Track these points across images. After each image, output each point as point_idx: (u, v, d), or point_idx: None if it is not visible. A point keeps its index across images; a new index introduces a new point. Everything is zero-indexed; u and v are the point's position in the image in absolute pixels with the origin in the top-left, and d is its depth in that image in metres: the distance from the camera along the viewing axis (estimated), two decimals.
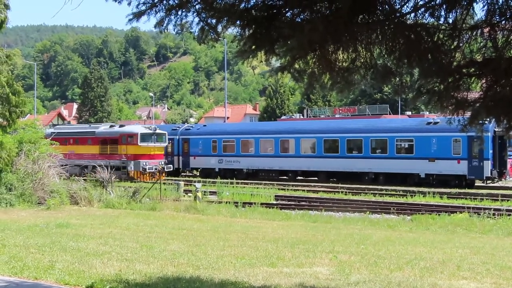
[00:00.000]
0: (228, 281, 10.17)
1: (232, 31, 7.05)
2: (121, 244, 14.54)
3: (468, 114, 7.11)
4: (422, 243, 16.88)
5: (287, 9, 6.71)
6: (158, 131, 48.60)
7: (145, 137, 47.01)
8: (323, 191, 38.20)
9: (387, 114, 74.09)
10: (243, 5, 6.63)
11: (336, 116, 77.63)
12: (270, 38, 6.74)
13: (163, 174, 46.18)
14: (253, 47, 6.88)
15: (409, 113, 72.12)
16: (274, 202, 32.71)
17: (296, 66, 7.14)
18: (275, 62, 7.38)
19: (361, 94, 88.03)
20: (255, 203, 30.19)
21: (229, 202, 30.17)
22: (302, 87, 7.87)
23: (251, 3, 6.66)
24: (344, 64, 7.06)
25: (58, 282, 10.12)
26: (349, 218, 25.46)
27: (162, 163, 47.33)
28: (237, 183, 40.64)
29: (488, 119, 7.35)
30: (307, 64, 7.14)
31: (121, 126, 53.00)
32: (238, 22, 6.79)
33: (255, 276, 10.59)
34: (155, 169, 46.22)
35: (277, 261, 12.46)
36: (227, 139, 49.50)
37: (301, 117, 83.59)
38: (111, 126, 52.45)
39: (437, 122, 38.59)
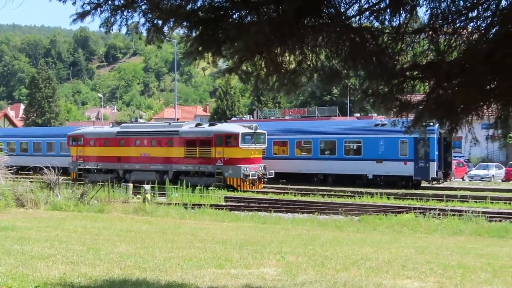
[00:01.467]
0: (175, 283, 10.13)
1: (179, 32, 7.03)
2: (67, 247, 14.33)
3: (412, 116, 7.22)
4: (369, 243, 17.12)
5: (234, 11, 6.72)
6: (258, 130, 41.51)
7: (244, 138, 40.18)
8: (272, 192, 38.35)
9: (336, 115, 74.76)
10: (189, 6, 6.60)
11: (286, 117, 78.03)
12: (217, 39, 6.73)
13: (263, 182, 41.08)
14: (200, 48, 6.86)
15: (357, 115, 72.94)
16: (224, 203, 32.74)
17: (244, 67, 7.15)
18: (222, 64, 7.38)
19: (310, 96, 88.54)
20: (204, 204, 30.16)
21: (178, 203, 30.05)
22: (249, 88, 7.89)
23: (198, 5, 6.64)
24: (290, 66, 7.10)
25: (0, 286, 9.91)
26: (298, 219, 25.62)
27: (262, 168, 41.10)
28: (187, 184, 40.48)
29: (432, 121, 7.48)
30: (255, 66, 7.16)
31: (211, 124, 44.93)
32: (184, 23, 6.76)
33: (202, 278, 10.57)
34: (257, 175, 40.20)
35: (225, 262, 12.46)
36: None
37: (251, 118, 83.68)
38: (197, 125, 44.25)
39: (385, 124, 39.02)
